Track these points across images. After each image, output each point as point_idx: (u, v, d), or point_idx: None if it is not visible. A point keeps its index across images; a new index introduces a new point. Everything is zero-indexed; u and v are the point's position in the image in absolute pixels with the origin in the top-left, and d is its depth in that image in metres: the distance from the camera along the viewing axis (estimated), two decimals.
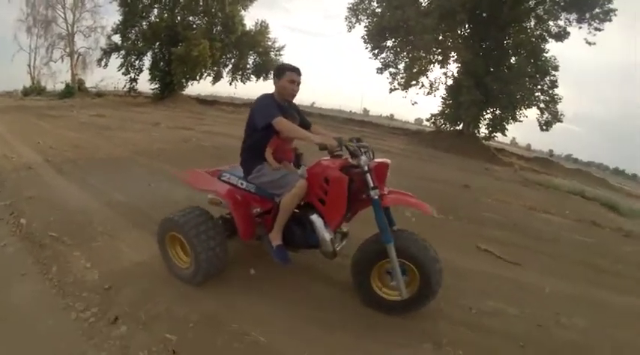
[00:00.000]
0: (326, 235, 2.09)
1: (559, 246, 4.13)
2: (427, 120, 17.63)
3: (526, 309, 2.50)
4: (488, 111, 15.56)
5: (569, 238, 4.59)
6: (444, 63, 15.80)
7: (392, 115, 40.42)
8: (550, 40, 14.97)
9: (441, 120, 16.42)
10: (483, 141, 16.19)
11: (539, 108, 14.93)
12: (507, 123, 15.31)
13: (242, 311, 2.11)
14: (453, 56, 15.48)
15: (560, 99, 14.79)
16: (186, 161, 5.65)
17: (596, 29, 13.91)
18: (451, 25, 13.97)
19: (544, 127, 14.85)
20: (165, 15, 20.41)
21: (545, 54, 14.86)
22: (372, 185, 1.99)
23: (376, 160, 2.13)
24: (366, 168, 1.98)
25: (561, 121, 14.79)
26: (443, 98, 16.59)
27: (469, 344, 2.04)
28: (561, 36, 14.78)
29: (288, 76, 2.25)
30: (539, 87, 14.84)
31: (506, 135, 16.16)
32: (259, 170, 2.24)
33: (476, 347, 2.04)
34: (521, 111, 15.04)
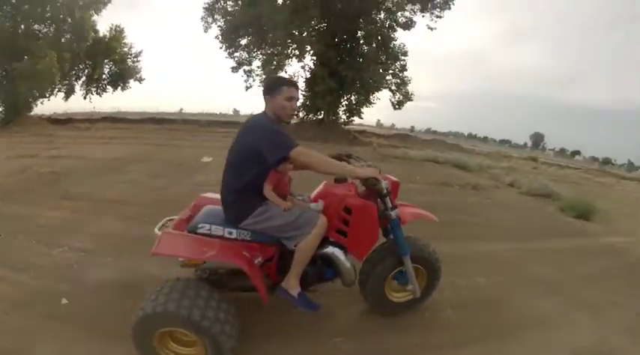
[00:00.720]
0: (348, 265, 1.95)
1: None
2: None
3: None
4: (344, 98, 17.04)
5: (420, 200, 5.42)
6: (300, 57, 16.56)
7: None
8: (398, 29, 16.88)
9: (304, 112, 17.43)
10: (343, 126, 17.65)
11: (391, 90, 16.88)
12: (362, 107, 17.12)
13: None
14: (309, 49, 16.36)
15: (409, 80, 16.95)
16: (19, 194, 5.18)
17: (438, 17, 16.47)
18: (304, 20, 14.66)
19: (396, 106, 16.96)
20: (7, 24, 17.21)
21: (394, 42, 16.82)
22: (390, 206, 1.95)
23: (386, 177, 2.01)
24: (385, 191, 1.89)
25: (411, 100, 17.04)
26: (302, 90, 17.53)
27: None
28: (408, 25, 16.85)
29: (285, 92, 1.85)
30: (390, 71, 16.73)
31: (362, 118, 17.96)
32: (263, 213, 1.82)
33: None
34: (374, 95, 16.84)
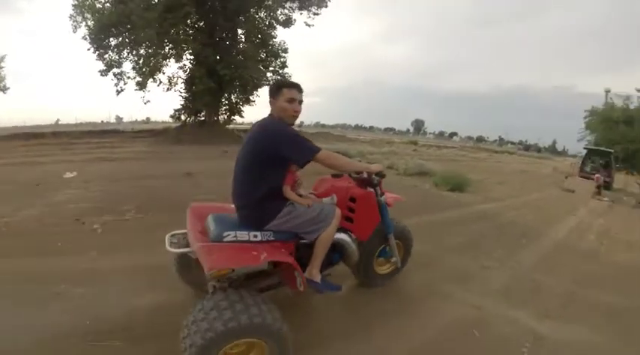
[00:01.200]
0: (354, 247, 2.26)
1: None
2: (171, 116, 17.51)
3: None
4: (224, 98, 16.98)
5: None
6: (178, 57, 15.91)
7: (148, 118, 40.04)
8: (278, 26, 17.33)
9: (185, 114, 16.88)
10: (227, 126, 17.61)
11: None
12: (243, 106, 17.34)
13: None
14: (185, 48, 15.71)
15: (290, 77, 17.33)
16: None
17: (315, 14, 17.39)
18: (178, 17, 13.94)
19: None
20: None
21: (274, 39, 17.22)
22: (380, 192, 2.39)
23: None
24: (375, 181, 2.30)
25: None
26: (180, 92, 16.87)
27: None
28: (288, 22, 17.40)
29: (285, 94, 1.93)
30: (270, 69, 17.14)
31: (243, 117, 18.06)
32: (289, 213, 1.93)
33: None
34: (255, 93, 17.06)
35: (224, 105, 17.32)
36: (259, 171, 1.89)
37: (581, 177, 13.28)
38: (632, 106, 27.50)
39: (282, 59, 17.55)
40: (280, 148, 1.81)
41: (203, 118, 16.93)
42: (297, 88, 1.99)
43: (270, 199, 1.92)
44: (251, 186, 1.90)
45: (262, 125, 1.97)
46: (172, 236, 2.12)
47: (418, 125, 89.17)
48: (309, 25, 17.71)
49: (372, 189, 2.33)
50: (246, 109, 17.53)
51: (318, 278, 2.06)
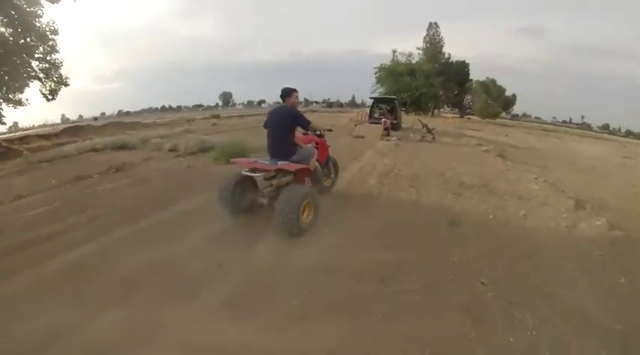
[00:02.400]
0: (320, 168, 4.47)
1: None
2: None
3: None
4: None
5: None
6: None
7: None
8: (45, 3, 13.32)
9: None
10: None
11: (38, 78, 13.76)
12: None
13: None
14: None
15: (61, 63, 14.25)
16: None
17: None
18: None
19: (50, 97, 14.05)
20: None
21: (40, 19, 13.37)
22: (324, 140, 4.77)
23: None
24: (322, 134, 4.68)
25: (67, 85, 14.56)
26: None
27: None
28: None
29: (294, 95, 3.93)
30: (37, 56, 13.54)
31: (4, 123, 14.51)
32: (300, 151, 3.97)
33: None
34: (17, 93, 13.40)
35: None
36: (287, 131, 3.87)
37: (371, 123, 14.93)
38: (414, 61, 34.65)
39: (51, 42, 13.80)
40: (296, 118, 3.85)
41: None
42: (296, 90, 3.96)
43: (293, 144, 3.95)
44: (283, 139, 3.84)
45: (286, 108, 3.92)
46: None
47: (226, 97, 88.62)
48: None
49: (324, 138, 4.70)
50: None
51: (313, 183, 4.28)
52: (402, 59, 34.52)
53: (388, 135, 12.51)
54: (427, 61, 35.56)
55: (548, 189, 5.84)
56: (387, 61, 34.42)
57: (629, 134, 52.81)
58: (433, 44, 38.12)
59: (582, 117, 59.88)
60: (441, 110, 39.83)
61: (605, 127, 58.15)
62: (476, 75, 37.70)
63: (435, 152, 9.81)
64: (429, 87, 32.40)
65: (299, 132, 4.19)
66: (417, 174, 6.49)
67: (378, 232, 3.63)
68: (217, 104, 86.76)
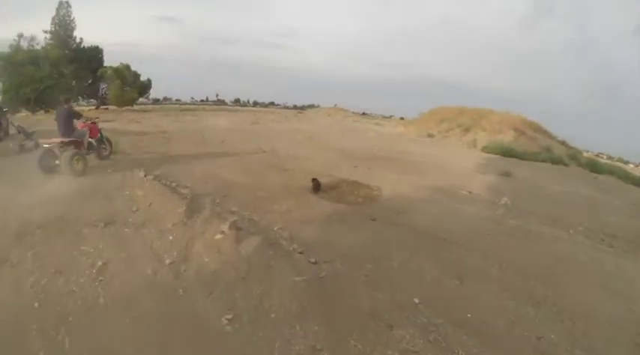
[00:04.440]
0: (94, 142, 7.36)
1: None
2: None
3: None
4: None
5: None
6: None
7: None
8: None
9: None
10: None
11: None
12: None
13: None
14: None
15: None
16: None
17: None
18: None
19: None
20: None
21: None
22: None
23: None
24: (95, 121, 7.73)
25: None
26: None
27: None
28: None
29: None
30: None
31: None
32: (77, 132, 6.96)
33: None
34: None
35: None
36: (69, 122, 6.76)
37: None
38: (39, 47, 27.39)
39: None
40: (72, 115, 6.89)
41: None
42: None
43: (72, 129, 6.83)
44: (67, 125, 6.69)
45: (65, 108, 6.92)
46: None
47: None
48: None
49: (94, 124, 7.56)
50: None
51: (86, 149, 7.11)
52: (25, 45, 26.84)
53: None
54: (56, 47, 28.82)
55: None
56: (7, 48, 25.61)
57: (256, 104, 68.88)
58: (63, 27, 30.82)
59: (217, 95, 68.87)
60: (76, 103, 32.18)
61: (237, 101, 70.41)
62: (114, 62, 33.23)
63: None
64: (59, 77, 26.41)
65: (80, 121, 7.23)
66: None
67: None
68: None
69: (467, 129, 20.17)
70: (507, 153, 15.44)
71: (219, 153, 9.56)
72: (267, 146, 11.48)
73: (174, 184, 5.43)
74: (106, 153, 7.79)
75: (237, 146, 11.09)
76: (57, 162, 6.23)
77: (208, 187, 5.34)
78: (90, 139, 7.13)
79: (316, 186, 6.67)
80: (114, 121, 17.85)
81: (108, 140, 7.91)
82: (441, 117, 23.07)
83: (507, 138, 17.76)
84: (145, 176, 5.77)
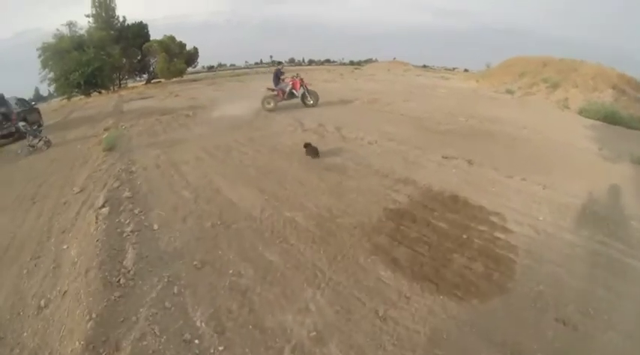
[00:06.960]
0: (299, 92, 10.89)
1: None
2: None
3: None
4: None
5: None
6: None
7: None
8: None
9: None
10: None
11: None
12: None
13: None
14: None
15: None
16: None
17: None
18: None
19: None
20: None
21: None
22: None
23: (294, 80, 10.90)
24: (294, 78, 10.97)
25: None
26: None
27: None
28: None
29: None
30: None
31: None
32: (282, 84, 10.82)
33: None
34: None
35: None
36: (277, 78, 10.91)
37: None
38: (82, 32, 27.71)
39: None
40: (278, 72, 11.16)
41: None
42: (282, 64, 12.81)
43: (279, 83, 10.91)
44: (276, 82, 10.91)
45: (276, 69, 11.21)
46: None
47: None
48: None
49: (298, 79, 10.85)
50: None
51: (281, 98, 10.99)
52: (67, 32, 27.10)
53: None
54: (99, 29, 28.71)
55: None
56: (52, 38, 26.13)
57: (311, 63, 67.25)
58: (104, 8, 30.56)
59: (271, 56, 66.71)
60: (128, 81, 33.75)
61: (292, 60, 67.64)
62: (161, 36, 32.87)
63: None
64: (106, 58, 26.63)
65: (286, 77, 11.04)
66: None
67: None
68: None
69: (554, 85, 15.66)
70: (612, 118, 10.94)
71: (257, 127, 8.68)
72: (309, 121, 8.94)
73: None
74: (310, 103, 10.89)
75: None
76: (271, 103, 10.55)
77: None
78: (293, 91, 10.66)
79: (312, 151, 5.70)
80: (151, 98, 17.23)
81: (313, 93, 11.02)
82: (520, 70, 18.60)
83: (606, 98, 12.95)
84: None
